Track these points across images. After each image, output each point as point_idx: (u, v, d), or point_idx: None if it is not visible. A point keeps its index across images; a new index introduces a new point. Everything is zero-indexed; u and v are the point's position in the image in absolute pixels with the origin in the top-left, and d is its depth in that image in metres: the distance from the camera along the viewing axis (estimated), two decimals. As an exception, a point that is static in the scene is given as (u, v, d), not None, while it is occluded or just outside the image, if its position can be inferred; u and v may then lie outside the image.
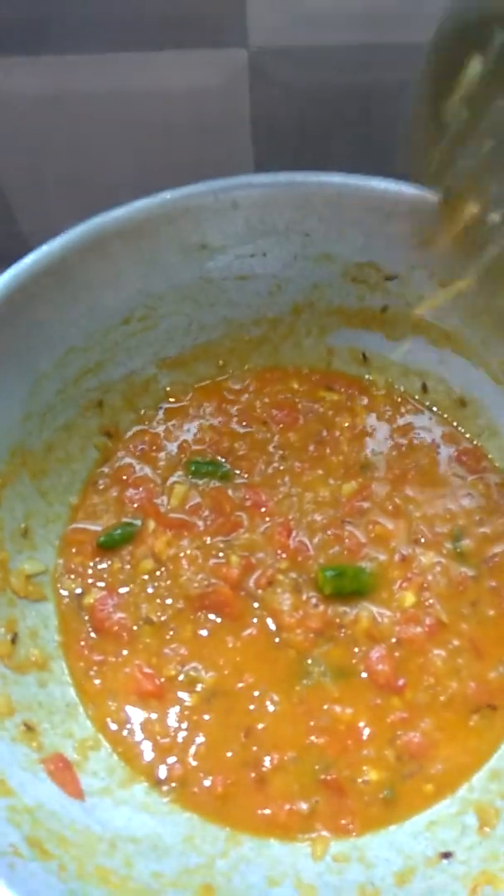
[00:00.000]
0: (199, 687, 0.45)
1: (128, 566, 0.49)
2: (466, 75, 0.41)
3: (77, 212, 0.49)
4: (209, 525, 0.51)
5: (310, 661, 0.46)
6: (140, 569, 0.49)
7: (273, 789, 0.43)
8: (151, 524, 0.51)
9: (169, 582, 0.49)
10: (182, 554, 0.49)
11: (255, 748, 0.44)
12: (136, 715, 0.45)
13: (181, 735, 0.44)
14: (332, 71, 0.56)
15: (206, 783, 0.43)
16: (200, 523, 0.51)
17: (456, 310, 0.52)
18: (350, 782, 0.43)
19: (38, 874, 0.35)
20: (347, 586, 0.47)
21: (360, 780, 0.43)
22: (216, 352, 0.56)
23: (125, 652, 0.47)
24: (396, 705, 0.45)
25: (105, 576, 0.49)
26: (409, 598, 0.47)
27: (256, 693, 0.45)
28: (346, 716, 0.45)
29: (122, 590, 0.48)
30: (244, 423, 0.55)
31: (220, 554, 0.49)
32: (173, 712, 0.45)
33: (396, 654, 0.46)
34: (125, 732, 0.44)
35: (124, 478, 0.52)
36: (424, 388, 0.55)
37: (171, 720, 0.44)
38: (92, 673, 0.46)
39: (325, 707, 0.45)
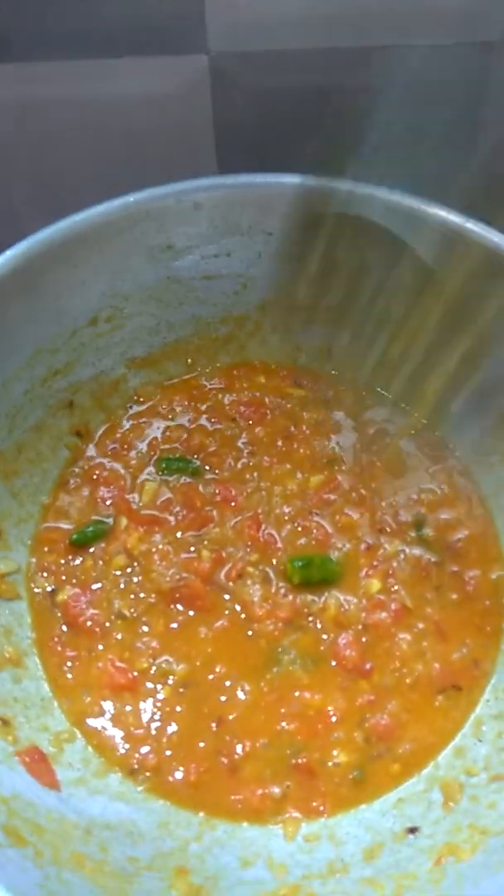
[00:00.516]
0: (171, 679, 0.46)
1: (100, 563, 0.50)
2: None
3: (42, 217, 0.49)
4: (180, 520, 0.51)
5: (280, 650, 0.47)
6: (112, 565, 0.50)
7: (245, 775, 0.44)
8: (123, 521, 0.52)
9: (141, 577, 0.49)
10: (154, 549, 0.50)
11: (227, 737, 0.45)
12: (110, 708, 0.46)
13: (154, 726, 0.45)
14: (292, 74, 0.58)
15: (180, 772, 0.44)
16: (172, 519, 0.52)
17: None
18: (321, 765, 0.44)
19: (15, 860, 0.35)
20: (315, 575, 0.49)
21: (330, 763, 0.44)
22: (184, 350, 0.57)
23: (99, 646, 0.47)
24: (364, 689, 0.46)
25: (78, 573, 0.50)
26: (375, 585, 0.49)
27: (228, 683, 0.46)
28: (316, 701, 0.46)
29: (95, 586, 0.49)
30: (213, 420, 0.56)
31: (192, 548, 0.50)
32: (146, 704, 0.46)
33: (363, 639, 0.47)
34: (99, 725, 0.45)
35: (95, 476, 0.53)
36: (388, 382, 0.57)
37: (145, 712, 0.45)
38: (65, 668, 0.47)
39: (296, 694, 0.46)
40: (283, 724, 0.45)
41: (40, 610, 0.48)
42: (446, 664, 0.47)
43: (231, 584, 0.49)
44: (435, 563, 0.50)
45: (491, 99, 0.59)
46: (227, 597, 0.49)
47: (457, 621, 0.48)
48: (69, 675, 0.46)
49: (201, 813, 0.43)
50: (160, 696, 0.46)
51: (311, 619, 0.48)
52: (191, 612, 0.48)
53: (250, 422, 0.56)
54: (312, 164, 0.53)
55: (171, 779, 0.44)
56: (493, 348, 0.51)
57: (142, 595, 0.49)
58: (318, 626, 0.48)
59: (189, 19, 0.54)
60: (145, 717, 0.45)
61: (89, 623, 0.48)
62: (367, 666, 0.46)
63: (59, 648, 0.47)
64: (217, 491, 0.53)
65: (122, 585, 0.49)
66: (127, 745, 0.44)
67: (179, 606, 0.48)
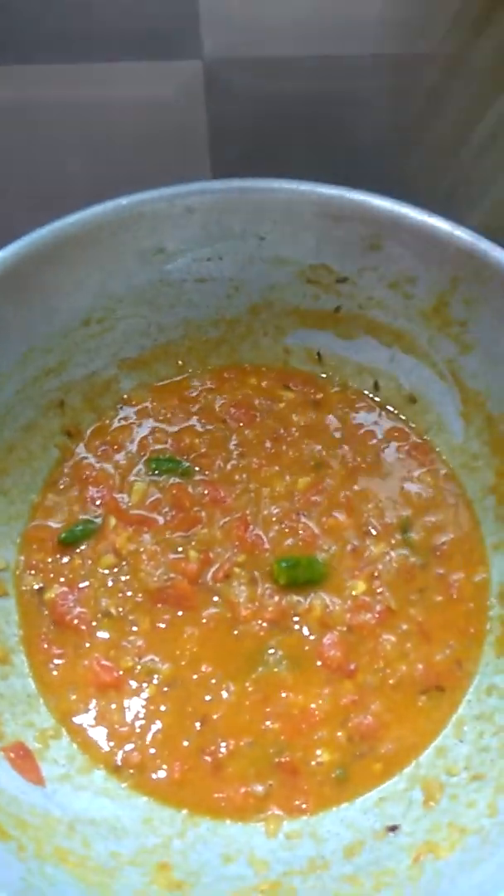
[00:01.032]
0: (156, 678, 0.47)
1: (89, 562, 0.51)
2: None
3: (36, 218, 0.50)
4: (169, 521, 0.52)
5: (265, 651, 0.48)
6: (100, 564, 0.50)
7: (229, 774, 0.44)
8: (112, 521, 0.52)
9: (129, 577, 0.50)
10: (142, 549, 0.51)
11: (211, 735, 0.45)
12: (95, 705, 0.46)
13: (139, 724, 0.45)
14: (285, 81, 0.58)
15: (164, 770, 0.44)
16: (161, 519, 0.52)
17: (404, 311, 0.54)
18: (304, 764, 0.45)
19: (-3, 854, 0.36)
20: (301, 576, 0.49)
21: (313, 762, 0.45)
22: (175, 352, 0.58)
23: (86, 645, 0.48)
24: (348, 689, 0.46)
25: (66, 571, 0.50)
26: (360, 587, 0.49)
27: (213, 682, 0.46)
28: (300, 701, 0.46)
29: (83, 584, 0.50)
30: (203, 422, 0.56)
31: (180, 549, 0.51)
32: (131, 702, 0.46)
33: (348, 639, 0.48)
34: (84, 722, 0.45)
35: (85, 476, 0.54)
36: (376, 386, 0.57)
37: (129, 710, 0.46)
38: (52, 665, 0.47)
39: (280, 693, 0.46)
40: (268, 723, 0.46)
41: (28, 607, 0.49)
42: (430, 665, 0.47)
43: (218, 584, 0.50)
44: (420, 566, 0.50)
45: (479, 105, 0.59)
46: (213, 597, 0.49)
47: (441, 623, 0.48)
48: (55, 673, 0.47)
49: (184, 810, 0.43)
50: (145, 694, 0.46)
51: (296, 619, 0.48)
52: (178, 612, 0.49)
53: (240, 423, 0.56)
54: (304, 169, 0.53)
55: (154, 776, 0.44)
56: (478, 352, 0.51)
57: (129, 594, 0.49)
58: (304, 626, 0.48)
59: (184, 26, 0.55)
60: (130, 716, 0.46)
61: (76, 621, 0.48)
62: (352, 666, 0.47)
63: (46, 646, 0.48)
64: (206, 492, 0.53)
65: (109, 584, 0.50)
66: (111, 743, 0.45)
67: (166, 606, 0.49)
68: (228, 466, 0.54)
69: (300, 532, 0.51)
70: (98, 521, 0.52)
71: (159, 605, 0.49)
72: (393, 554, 0.50)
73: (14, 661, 0.47)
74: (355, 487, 0.53)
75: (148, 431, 0.56)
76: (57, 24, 0.54)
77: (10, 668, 0.46)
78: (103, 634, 0.48)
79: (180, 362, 0.58)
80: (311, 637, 0.48)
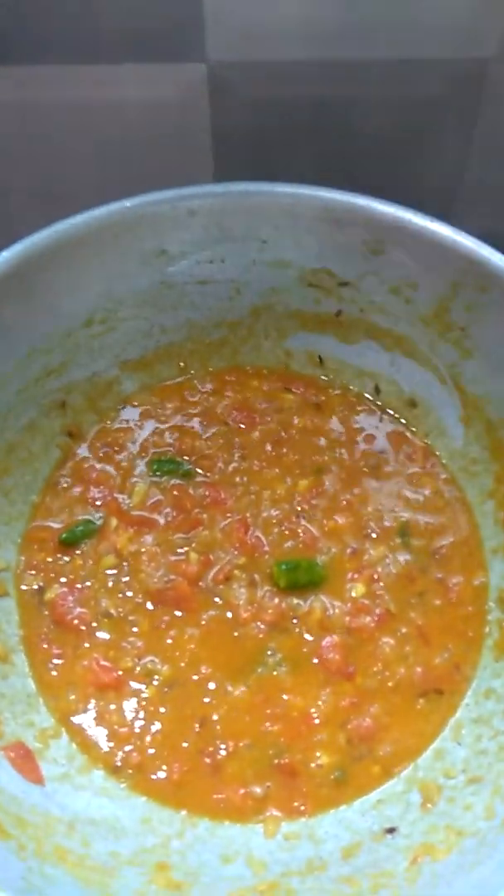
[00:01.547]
0: (155, 679, 0.47)
1: (89, 562, 0.51)
2: None
3: (39, 219, 0.50)
4: (170, 522, 0.52)
5: (265, 653, 0.48)
6: (101, 564, 0.51)
7: (228, 775, 0.45)
8: (114, 521, 0.52)
9: (129, 577, 0.50)
10: (143, 550, 0.51)
11: (210, 737, 0.45)
12: (95, 706, 0.46)
13: (138, 725, 0.45)
14: (289, 85, 0.58)
15: (163, 770, 0.44)
16: (162, 520, 0.52)
17: (405, 316, 0.54)
18: (303, 766, 0.45)
19: (-3, 853, 0.36)
20: (301, 579, 0.49)
21: (312, 764, 0.45)
22: (177, 354, 0.58)
23: (85, 645, 0.48)
24: (347, 691, 0.47)
25: (66, 572, 0.50)
26: (360, 590, 0.49)
27: (212, 684, 0.47)
28: (299, 703, 0.46)
29: (83, 585, 0.50)
30: (205, 423, 0.57)
31: (180, 550, 0.51)
32: (130, 703, 0.46)
33: (347, 642, 0.48)
34: (84, 723, 0.46)
35: (86, 476, 0.54)
36: (377, 390, 0.57)
37: (129, 711, 0.46)
38: (51, 665, 0.47)
39: (279, 695, 0.47)
40: (267, 724, 0.46)
41: (28, 607, 0.49)
42: (428, 668, 0.48)
43: (218, 586, 0.50)
44: (419, 569, 0.51)
45: (483, 112, 0.60)
46: (214, 599, 0.49)
47: (440, 626, 0.49)
48: (55, 673, 0.47)
49: (183, 811, 0.43)
50: (144, 695, 0.46)
51: (296, 622, 0.49)
52: (177, 613, 0.49)
53: (242, 425, 0.56)
54: (307, 173, 0.54)
55: (154, 777, 0.44)
56: (479, 357, 0.52)
57: (129, 595, 0.50)
58: (303, 629, 0.48)
59: (188, 28, 0.55)
60: (129, 716, 0.46)
61: (76, 621, 0.48)
62: (351, 669, 0.47)
63: (46, 646, 0.48)
64: (207, 493, 0.53)
65: (110, 585, 0.50)
66: (111, 744, 0.45)
67: (166, 607, 0.49)
68: (229, 468, 0.55)
69: (300, 534, 0.52)
70: (99, 521, 0.52)
71: (159, 607, 0.49)
72: (392, 557, 0.51)
73: (14, 661, 0.47)
74: (355, 490, 0.53)
75: (149, 433, 0.56)
76: (60, 26, 0.54)
77: (10, 667, 0.47)
78: (103, 635, 0.48)
79: (182, 364, 0.58)
80: (311, 639, 0.48)
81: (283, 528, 0.52)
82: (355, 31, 0.55)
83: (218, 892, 0.39)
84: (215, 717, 0.46)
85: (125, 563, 0.51)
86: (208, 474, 0.54)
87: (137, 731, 0.45)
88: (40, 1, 0.53)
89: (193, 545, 0.51)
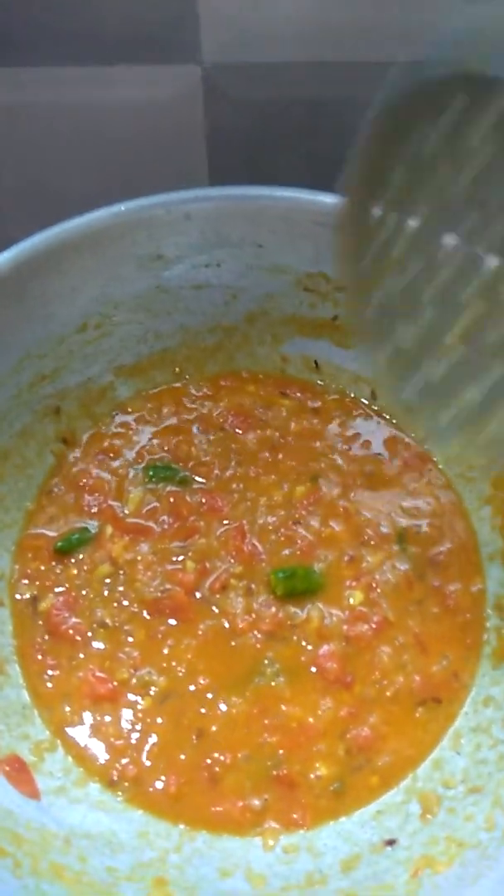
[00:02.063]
0: (152, 690, 0.46)
1: (84, 571, 0.50)
2: (414, 139, 0.35)
3: (33, 223, 0.50)
4: (166, 530, 0.52)
5: (262, 662, 0.47)
6: (97, 573, 0.50)
7: (226, 787, 0.44)
8: (109, 529, 0.52)
9: (125, 587, 0.49)
10: (139, 558, 0.50)
11: (207, 748, 0.45)
12: (90, 718, 0.46)
13: (134, 737, 0.45)
14: (284, 87, 0.58)
15: (160, 783, 0.44)
16: (158, 528, 0.52)
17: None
18: (301, 777, 0.44)
19: (-8, 871, 0.35)
20: (298, 586, 0.49)
21: (311, 776, 0.45)
22: (172, 359, 0.58)
23: (81, 655, 0.47)
24: (345, 701, 0.46)
25: (61, 580, 0.50)
26: (358, 597, 0.49)
27: (210, 695, 0.46)
28: (298, 713, 0.46)
29: (78, 594, 0.49)
30: (201, 429, 0.56)
31: (176, 559, 0.50)
32: (127, 715, 0.46)
33: (345, 651, 0.48)
34: (79, 735, 0.45)
35: (81, 483, 0.53)
36: (374, 395, 0.57)
37: (125, 723, 0.45)
38: (46, 677, 0.46)
39: (277, 706, 0.46)
40: (265, 735, 0.45)
41: (22, 617, 0.48)
42: (427, 677, 0.47)
43: (215, 595, 0.49)
44: (417, 576, 0.50)
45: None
46: (211, 608, 0.49)
47: (438, 634, 0.48)
48: (49, 684, 0.46)
49: (181, 824, 0.43)
50: (141, 707, 0.46)
51: (293, 630, 0.48)
52: (174, 623, 0.48)
53: (238, 431, 0.56)
54: (303, 176, 0.53)
55: (151, 790, 0.44)
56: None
57: (125, 604, 0.49)
58: (301, 638, 0.48)
59: (183, 29, 0.54)
60: (125, 728, 0.45)
61: (71, 632, 0.48)
62: (349, 678, 0.47)
63: (40, 657, 0.47)
64: (204, 500, 0.53)
65: (105, 594, 0.49)
66: (107, 756, 0.44)
67: (162, 617, 0.48)
68: (226, 475, 0.54)
69: (297, 542, 0.51)
70: (94, 529, 0.51)
71: (155, 616, 0.48)
72: (390, 564, 0.50)
73: (8, 672, 0.46)
74: (352, 497, 0.53)
75: (145, 439, 0.55)
76: (54, 27, 0.54)
77: (4, 678, 0.46)
78: (98, 645, 0.48)
79: (177, 369, 0.58)
80: (309, 648, 0.48)
81: (280, 535, 0.51)
82: (350, 32, 0.55)
83: (217, 907, 0.39)
84: (213, 729, 0.45)
85: (121, 572, 0.50)
86: (205, 481, 0.54)
87: (134, 743, 0.45)
88: (34, 2, 0.52)
89: (190, 554, 0.51)
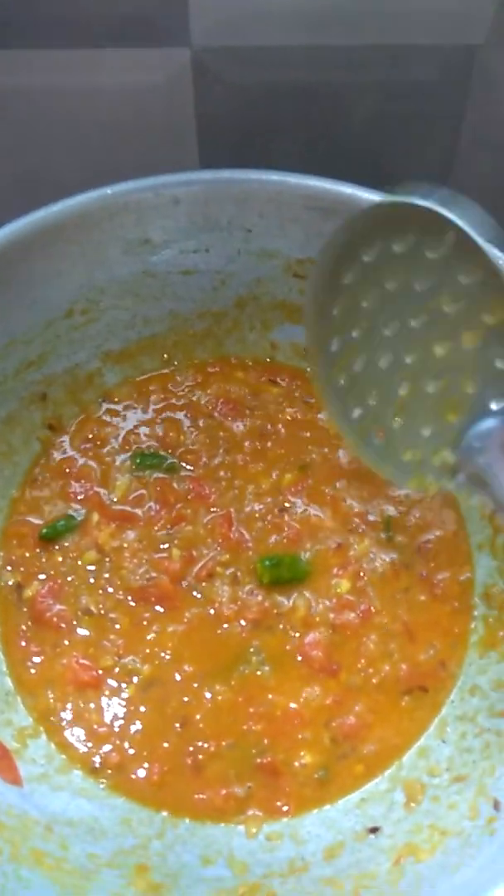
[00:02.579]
0: (136, 678, 0.46)
1: (70, 558, 0.50)
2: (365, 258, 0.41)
3: (20, 206, 0.49)
4: (153, 517, 0.51)
5: (248, 651, 0.47)
6: (83, 560, 0.50)
7: (209, 775, 0.44)
8: (95, 516, 0.51)
9: (110, 574, 0.49)
10: (125, 545, 0.50)
11: (191, 736, 0.44)
12: (74, 705, 0.45)
13: (118, 725, 0.45)
14: (274, 70, 0.57)
15: (143, 770, 0.44)
16: (145, 515, 0.51)
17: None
18: (285, 765, 0.44)
19: (-29, 858, 0.35)
20: (284, 575, 0.49)
21: (295, 764, 0.44)
22: (161, 345, 0.57)
23: (66, 642, 0.47)
24: (331, 689, 0.46)
25: (46, 568, 0.49)
26: (344, 586, 0.49)
27: (195, 683, 0.46)
28: (282, 701, 0.46)
29: (63, 581, 0.49)
30: (189, 416, 0.56)
31: (163, 546, 0.50)
32: (110, 702, 0.45)
33: (332, 639, 0.47)
34: (62, 722, 0.45)
35: (67, 470, 0.53)
36: (363, 383, 0.57)
37: (108, 710, 0.45)
38: (30, 664, 0.46)
39: (263, 694, 0.46)
40: (250, 724, 0.45)
41: (6, 604, 0.48)
42: (413, 665, 0.47)
43: (201, 583, 0.49)
44: (404, 565, 0.50)
45: (472, 99, 0.59)
46: (196, 596, 0.49)
47: (425, 623, 0.48)
48: (33, 671, 0.46)
49: (164, 811, 0.43)
50: (125, 694, 0.46)
51: (279, 619, 0.48)
52: (159, 609, 0.48)
53: (227, 418, 0.56)
54: (294, 160, 0.53)
55: (133, 777, 0.44)
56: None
57: (110, 591, 0.49)
58: (287, 626, 0.48)
59: (173, 12, 0.53)
60: (109, 716, 0.45)
61: (55, 619, 0.47)
62: (335, 666, 0.47)
63: (24, 644, 0.47)
64: (191, 487, 0.52)
65: (91, 581, 0.49)
66: (90, 743, 0.44)
67: (148, 604, 0.48)
68: (214, 462, 0.54)
69: (284, 530, 0.51)
70: (80, 516, 0.51)
71: (141, 604, 0.48)
72: (377, 552, 0.50)
73: (-8, 659, 0.46)
74: (340, 485, 0.53)
75: (132, 426, 0.55)
76: (42, 10, 0.53)
77: (-13, 665, 0.46)
78: (83, 632, 0.47)
79: (165, 356, 0.57)
80: (295, 637, 0.47)
81: (267, 523, 0.51)
82: (342, 16, 0.54)
83: (198, 893, 0.39)
84: (197, 717, 0.45)
85: (107, 560, 0.50)
86: (192, 468, 0.53)
87: (117, 730, 0.45)
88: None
89: (176, 541, 0.50)
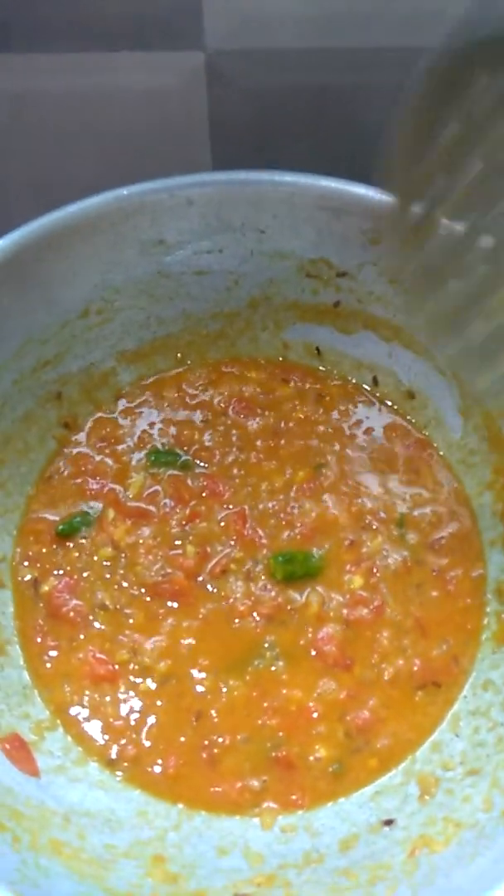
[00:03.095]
0: (152, 672, 0.46)
1: (86, 554, 0.50)
2: (471, 94, 0.35)
3: (36, 207, 0.50)
4: (168, 514, 0.52)
5: (262, 645, 0.48)
6: (98, 556, 0.50)
7: (225, 768, 0.44)
8: (111, 513, 0.52)
9: (125, 570, 0.50)
10: (140, 541, 0.51)
11: (207, 730, 0.45)
12: (90, 698, 0.46)
13: (134, 718, 0.45)
14: (287, 73, 0.58)
15: (159, 764, 0.44)
16: (160, 512, 0.52)
17: (403, 306, 0.54)
18: (300, 759, 0.45)
19: (-9, 845, 0.36)
20: (298, 571, 0.49)
21: (310, 757, 0.45)
22: (174, 345, 0.58)
23: (81, 636, 0.47)
24: (345, 684, 0.46)
25: (63, 563, 0.50)
26: (357, 581, 0.49)
27: (209, 678, 0.46)
28: (297, 696, 0.46)
29: (79, 577, 0.49)
30: (203, 414, 0.56)
31: (177, 542, 0.51)
32: (126, 696, 0.46)
33: (345, 634, 0.48)
34: (79, 715, 0.45)
35: (83, 468, 0.54)
36: (375, 381, 0.57)
37: (124, 704, 0.46)
38: (46, 657, 0.47)
39: (277, 689, 0.46)
40: (265, 718, 0.45)
41: (23, 599, 0.49)
42: (426, 661, 0.47)
43: (216, 579, 0.50)
44: (417, 561, 0.50)
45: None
46: (210, 590, 0.49)
47: (437, 618, 0.48)
48: (49, 665, 0.47)
49: (180, 804, 0.43)
50: (140, 688, 0.46)
51: (293, 614, 0.48)
52: (173, 604, 0.49)
53: (241, 416, 0.56)
54: (306, 162, 0.53)
55: (149, 770, 0.44)
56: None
57: (125, 586, 0.49)
58: (301, 621, 0.48)
59: (186, 16, 0.54)
60: (125, 710, 0.45)
61: (72, 614, 0.48)
62: (348, 662, 0.47)
63: (41, 638, 0.47)
64: (205, 484, 0.53)
65: (106, 577, 0.50)
66: (106, 737, 0.45)
67: (162, 600, 0.49)
68: (228, 460, 0.54)
69: (298, 526, 0.51)
70: (96, 512, 0.52)
71: (156, 599, 0.49)
72: (390, 549, 0.50)
73: (9, 653, 0.47)
74: (352, 482, 0.53)
75: (147, 424, 0.56)
76: (57, 14, 0.54)
77: (5, 658, 0.46)
78: (99, 627, 0.48)
79: (179, 355, 0.58)
80: (308, 632, 0.48)
81: (281, 519, 0.52)
82: (353, 18, 0.55)
83: (214, 884, 0.39)
84: (212, 711, 0.45)
85: (122, 556, 0.50)
86: (206, 466, 0.54)
87: (133, 724, 0.45)
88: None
89: (191, 538, 0.51)
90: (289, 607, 0.49)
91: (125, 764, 0.44)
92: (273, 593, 0.49)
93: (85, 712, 0.45)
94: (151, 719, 0.45)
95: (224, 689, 0.46)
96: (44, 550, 0.50)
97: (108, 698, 0.46)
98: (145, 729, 0.45)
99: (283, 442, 0.55)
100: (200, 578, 0.49)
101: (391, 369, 0.56)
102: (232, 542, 0.51)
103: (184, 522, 0.51)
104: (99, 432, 0.55)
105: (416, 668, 0.47)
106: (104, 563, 0.50)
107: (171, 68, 0.57)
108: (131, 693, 0.46)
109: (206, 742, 0.45)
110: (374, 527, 0.51)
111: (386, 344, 0.56)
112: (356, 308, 0.55)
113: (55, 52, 0.56)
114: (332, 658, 0.47)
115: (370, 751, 0.45)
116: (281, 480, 0.53)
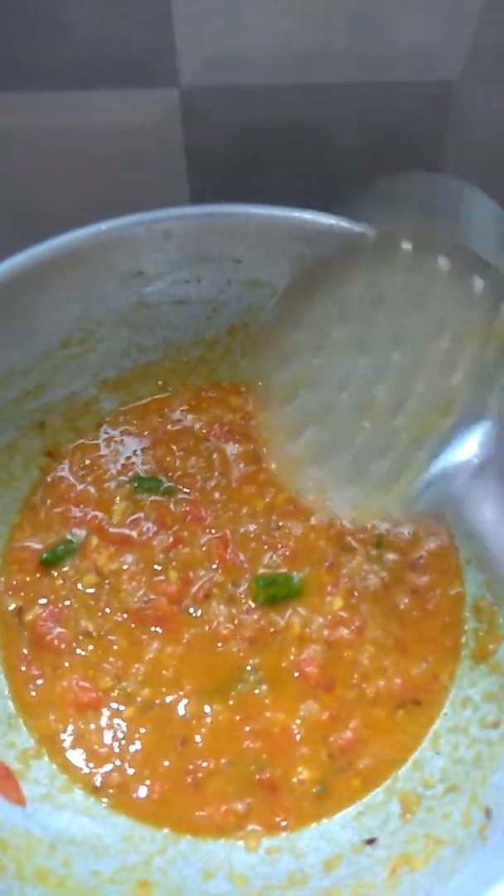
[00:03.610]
0: (136, 699, 0.47)
1: (70, 581, 0.51)
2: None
3: (16, 242, 0.51)
4: (150, 540, 0.52)
5: (245, 669, 0.48)
6: (83, 583, 0.51)
7: (209, 792, 0.45)
8: (94, 540, 0.52)
9: (109, 597, 0.50)
10: (124, 568, 0.51)
11: (191, 756, 0.45)
12: (74, 726, 0.46)
13: (118, 745, 0.46)
14: (261, 109, 0.60)
15: (144, 789, 0.44)
16: (142, 538, 0.53)
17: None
18: (284, 781, 0.45)
19: (-24, 875, 0.36)
20: (279, 593, 0.50)
21: (294, 779, 0.45)
22: (155, 373, 0.59)
23: (66, 664, 0.48)
24: (327, 705, 0.47)
25: (47, 591, 0.51)
26: (338, 603, 0.50)
27: (194, 703, 0.47)
28: (280, 719, 0.47)
29: (63, 605, 0.50)
30: (184, 441, 0.57)
31: (160, 568, 0.51)
32: (110, 723, 0.46)
33: (326, 655, 0.48)
34: (64, 743, 0.46)
35: (66, 496, 0.54)
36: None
37: (109, 731, 0.46)
38: (31, 686, 0.47)
39: (260, 712, 0.47)
40: (248, 741, 0.46)
41: (7, 629, 0.49)
42: (407, 679, 0.48)
43: (199, 604, 0.50)
44: (396, 581, 0.51)
45: (448, 134, 0.61)
46: (193, 614, 0.50)
47: (417, 637, 0.49)
48: (34, 693, 0.47)
49: (165, 828, 0.44)
50: (125, 715, 0.46)
51: (275, 636, 0.49)
52: (157, 630, 0.49)
53: (222, 441, 0.57)
54: (281, 194, 0.55)
55: (135, 796, 0.44)
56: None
57: (109, 612, 0.50)
58: (283, 643, 0.49)
59: (161, 54, 0.56)
60: (109, 737, 0.46)
61: (56, 641, 0.48)
62: (330, 682, 0.48)
63: (25, 667, 0.48)
64: (187, 510, 0.54)
65: (91, 604, 0.50)
66: (91, 764, 0.45)
67: (146, 626, 0.49)
68: (209, 485, 0.55)
69: (279, 549, 0.52)
70: (79, 540, 0.52)
71: (139, 626, 0.49)
72: (369, 569, 0.51)
73: (-6, 682, 0.47)
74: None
75: (129, 451, 0.56)
76: (33, 52, 0.55)
77: (-10, 688, 0.47)
78: (83, 654, 0.48)
79: (160, 382, 0.59)
80: (291, 654, 0.48)
81: (262, 542, 0.52)
82: (325, 55, 0.56)
83: (200, 908, 0.40)
84: (196, 736, 0.46)
85: (106, 582, 0.51)
86: (188, 491, 0.55)
87: (117, 750, 0.45)
88: (12, 28, 0.54)
89: (174, 563, 0.51)
90: (271, 630, 0.49)
91: (111, 790, 0.45)
92: (255, 616, 0.50)
93: (70, 740, 0.46)
94: (136, 745, 0.46)
95: (208, 714, 0.47)
96: (28, 579, 0.51)
97: (92, 725, 0.46)
98: (130, 755, 0.45)
99: (263, 465, 0.56)
100: (183, 603, 0.50)
101: (368, 392, 0.57)
102: (214, 567, 0.51)
103: (167, 548, 0.52)
104: (81, 460, 0.56)
105: (396, 687, 0.48)
106: (88, 590, 0.51)
107: (147, 105, 0.59)
108: (116, 720, 0.46)
109: (191, 766, 0.45)
110: (353, 548, 0.52)
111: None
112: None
113: (34, 91, 0.58)
114: (314, 679, 0.48)
115: (353, 771, 0.45)
116: (261, 504, 0.54)
